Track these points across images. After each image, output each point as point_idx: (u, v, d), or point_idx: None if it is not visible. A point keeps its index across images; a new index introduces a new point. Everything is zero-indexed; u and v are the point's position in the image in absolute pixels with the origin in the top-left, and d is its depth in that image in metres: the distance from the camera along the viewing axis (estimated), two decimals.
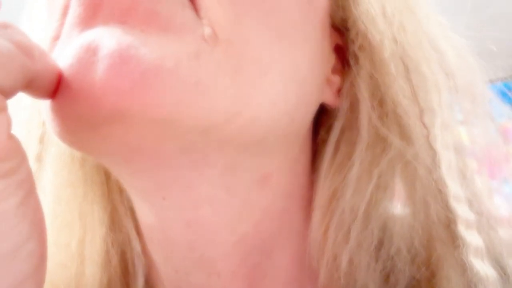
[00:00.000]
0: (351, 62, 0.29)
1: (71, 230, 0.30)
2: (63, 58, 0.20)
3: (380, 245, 0.27)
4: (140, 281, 0.30)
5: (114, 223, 0.31)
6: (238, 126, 0.22)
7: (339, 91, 0.30)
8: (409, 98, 0.27)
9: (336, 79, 0.30)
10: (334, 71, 0.30)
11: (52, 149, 0.31)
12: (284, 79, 0.24)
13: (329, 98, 0.29)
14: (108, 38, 0.19)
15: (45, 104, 0.21)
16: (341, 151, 0.29)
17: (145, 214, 0.28)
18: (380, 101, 0.27)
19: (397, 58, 0.27)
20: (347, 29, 0.29)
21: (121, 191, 0.31)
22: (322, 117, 0.31)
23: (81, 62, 0.19)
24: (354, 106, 0.29)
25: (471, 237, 0.25)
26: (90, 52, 0.19)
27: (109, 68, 0.19)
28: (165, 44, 0.20)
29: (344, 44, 0.30)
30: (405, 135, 0.27)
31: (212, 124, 0.21)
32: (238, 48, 0.21)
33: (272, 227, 0.28)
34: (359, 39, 0.28)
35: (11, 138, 0.18)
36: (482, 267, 0.24)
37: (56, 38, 0.22)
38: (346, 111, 0.29)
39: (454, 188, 0.25)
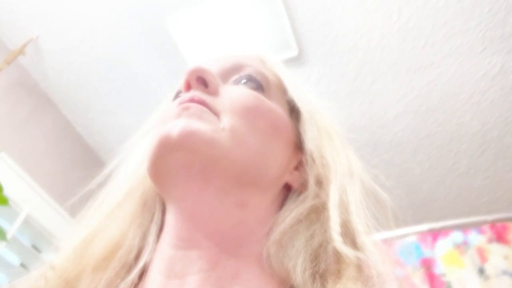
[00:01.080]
0: (305, 166, 0.54)
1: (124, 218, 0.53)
2: (168, 127, 0.47)
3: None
4: (142, 260, 0.50)
5: (146, 227, 0.53)
6: (228, 161, 0.46)
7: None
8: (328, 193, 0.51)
9: (296, 173, 0.55)
10: (296, 169, 0.55)
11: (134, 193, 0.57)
12: (254, 150, 0.49)
13: (292, 181, 0.54)
14: (183, 122, 0.46)
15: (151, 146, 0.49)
16: (296, 208, 0.50)
17: (170, 213, 0.50)
18: (322, 185, 0.51)
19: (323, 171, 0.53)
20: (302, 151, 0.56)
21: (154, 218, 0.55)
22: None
23: (171, 128, 0.46)
24: (304, 189, 0.52)
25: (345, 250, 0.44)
26: (175, 125, 0.46)
27: (181, 129, 0.45)
28: (204, 125, 0.46)
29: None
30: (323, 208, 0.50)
31: (216, 157, 0.46)
32: (234, 133, 0.47)
33: (243, 232, 0.48)
34: (307, 159, 0.54)
35: None
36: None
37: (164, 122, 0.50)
38: (300, 191, 0.53)
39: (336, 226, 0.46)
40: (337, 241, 0.44)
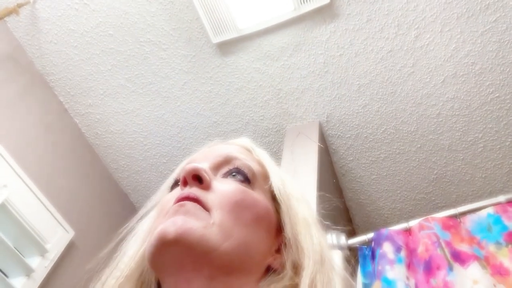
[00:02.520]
0: (284, 250, 0.61)
1: None
2: (166, 225, 0.53)
3: None
4: None
5: None
6: (216, 254, 0.52)
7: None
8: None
9: (278, 256, 0.61)
10: (277, 251, 0.62)
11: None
12: (239, 241, 0.55)
13: (273, 264, 0.60)
14: (179, 221, 0.53)
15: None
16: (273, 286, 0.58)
17: None
18: (297, 270, 0.58)
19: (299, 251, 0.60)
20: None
21: None
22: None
23: (168, 226, 0.53)
24: (283, 269, 0.60)
25: None
26: (172, 224, 0.53)
27: (177, 228, 0.52)
28: (196, 223, 0.53)
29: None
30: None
31: (206, 250, 0.52)
32: (223, 227, 0.55)
33: None
34: (285, 243, 0.61)
35: None
36: None
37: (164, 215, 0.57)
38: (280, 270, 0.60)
39: None
40: None
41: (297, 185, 0.69)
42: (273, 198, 0.66)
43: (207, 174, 0.60)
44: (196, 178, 0.59)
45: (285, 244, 0.61)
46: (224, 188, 0.60)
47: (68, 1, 1.85)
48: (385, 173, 2.27)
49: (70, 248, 1.87)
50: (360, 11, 1.76)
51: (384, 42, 1.83)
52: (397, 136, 2.11)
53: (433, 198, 2.33)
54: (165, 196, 0.64)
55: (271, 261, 0.60)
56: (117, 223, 0.66)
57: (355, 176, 2.31)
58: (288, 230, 0.62)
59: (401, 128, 2.08)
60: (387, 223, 2.35)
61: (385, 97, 1.99)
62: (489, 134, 2.05)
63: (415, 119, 2.04)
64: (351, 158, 2.23)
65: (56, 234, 1.79)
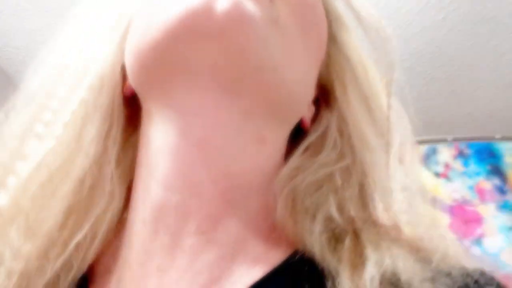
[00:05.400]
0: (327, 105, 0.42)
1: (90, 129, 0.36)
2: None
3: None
4: (104, 206, 0.36)
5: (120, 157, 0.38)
6: (271, 77, 0.33)
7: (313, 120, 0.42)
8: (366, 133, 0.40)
9: (312, 108, 0.42)
10: (313, 103, 0.42)
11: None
12: (303, 73, 0.37)
13: (307, 118, 0.41)
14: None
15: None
16: (310, 150, 0.40)
17: (162, 136, 0.35)
18: (342, 130, 0.40)
19: (361, 103, 0.41)
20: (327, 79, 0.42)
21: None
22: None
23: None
24: (325, 129, 0.41)
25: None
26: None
27: (232, 5, 0.30)
28: (258, 11, 0.31)
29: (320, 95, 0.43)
30: (355, 155, 0.39)
31: (262, 66, 0.32)
32: (288, 37, 0.34)
33: (255, 178, 0.37)
34: (334, 89, 0.42)
35: None
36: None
37: None
38: (320, 129, 0.41)
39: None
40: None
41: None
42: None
43: None
44: None
45: (325, 98, 0.42)
46: None
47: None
48: None
49: None
50: None
51: None
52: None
53: None
54: None
55: (307, 114, 0.41)
56: None
57: None
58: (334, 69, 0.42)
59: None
60: None
61: None
62: None
63: None
64: None
65: None
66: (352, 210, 0.37)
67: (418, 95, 1.69)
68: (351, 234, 0.35)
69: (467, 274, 0.31)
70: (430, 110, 1.76)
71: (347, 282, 0.31)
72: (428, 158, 1.65)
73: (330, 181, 0.38)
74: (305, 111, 0.40)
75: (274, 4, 0.33)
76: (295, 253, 0.35)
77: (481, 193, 1.55)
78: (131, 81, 0.37)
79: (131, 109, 0.39)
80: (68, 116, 0.36)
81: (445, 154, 1.66)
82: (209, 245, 0.34)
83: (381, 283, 0.31)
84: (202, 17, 0.30)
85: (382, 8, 1.38)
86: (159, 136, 0.35)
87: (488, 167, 1.60)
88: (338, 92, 0.41)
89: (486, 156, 1.63)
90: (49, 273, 0.33)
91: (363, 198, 0.38)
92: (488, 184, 1.56)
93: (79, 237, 0.35)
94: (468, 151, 1.65)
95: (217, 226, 0.35)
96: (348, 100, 0.41)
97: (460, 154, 1.65)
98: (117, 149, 0.38)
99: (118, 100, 0.38)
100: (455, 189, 1.57)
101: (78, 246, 0.35)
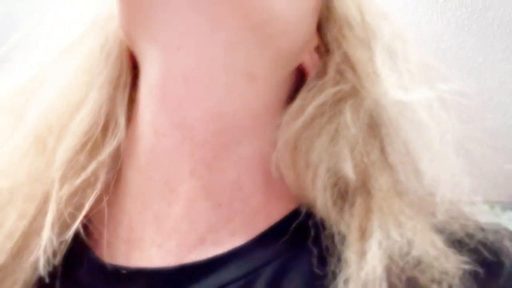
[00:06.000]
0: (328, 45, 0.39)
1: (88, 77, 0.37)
2: None
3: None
4: (112, 144, 0.35)
5: (113, 99, 0.37)
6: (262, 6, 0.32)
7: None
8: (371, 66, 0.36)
9: (316, 57, 0.39)
10: (316, 50, 0.39)
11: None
12: (302, 10, 0.35)
13: (308, 65, 0.38)
14: None
15: None
16: (317, 95, 0.36)
17: (151, 75, 0.35)
18: (344, 65, 0.37)
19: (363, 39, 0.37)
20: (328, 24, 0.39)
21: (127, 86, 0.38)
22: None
23: None
24: (325, 67, 0.38)
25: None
26: None
27: None
28: None
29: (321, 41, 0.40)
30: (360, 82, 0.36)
31: None
32: None
33: (247, 119, 0.35)
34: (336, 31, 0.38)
35: None
36: None
37: None
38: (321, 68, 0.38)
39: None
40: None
41: None
42: None
43: None
44: None
45: (327, 45, 0.39)
46: None
47: None
48: None
49: None
50: None
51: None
52: None
53: None
54: None
55: (308, 61, 0.39)
56: None
57: None
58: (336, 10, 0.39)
59: None
60: None
61: None
62: None
63: None
64: None
65: None
66: (366, 159, 0.33)
67: None
68: (363, 194, 0.33)
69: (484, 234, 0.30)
70: None
71: (354, 248, 0.30)
72: None
73: (337, 118, 0.35)
74: (303, 54, 0.38)
75: None
76: (296, 210, 0.34)
77: None
78: (120, 26, 0.36)
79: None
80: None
81: None
82: (204, 192, 0.34)
83: (391, 258, 0.29)
84: None
85: None
86: (148, 77, 0.35)
87: None
88: (337, 35, 0.39)
89: None
90: (53, 212, 0.33)
91: (382, 144, 0.35)
92: None
93: (83, 176, 0.34)
94: None
95: (211, 171, 0.34)
96: (348, 39, 0.38)
97: None
98: (127, 95, 0.38)
99: (126, 52, 0.38)
100: None
101: (84, 185, 0.34)
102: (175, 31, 0.32)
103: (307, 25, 0.37)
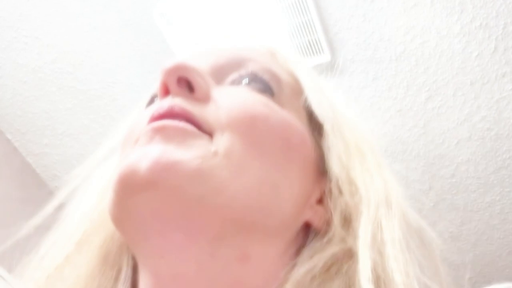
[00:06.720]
0: (329, 198, 0.40)
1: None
2: (134, 157, 0.34)
3: None
4: None
5: None
6: (223, 199, 0.33)
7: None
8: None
9: (320, 209, 0.40)
10: (319, 202, 0.41)
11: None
12: (260, 179, 0.35)
13: (313, 220, 0.39)
14: (157, 149, 0.33)
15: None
16: (316, 256, 0.36)
17: (144, 274, 0.37)
18: (349, 224, 0.38)
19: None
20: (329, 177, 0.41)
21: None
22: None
23: (138, 159, 0.33)
24: (329, 228, 0.39)
25: None
26: (144, 155, 0.33)
27: (153, 160, 0.32)
28: (188, 153, 0.33)
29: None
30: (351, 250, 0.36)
31: (206, 195, 0.33)
32: (232, 158, 0.35)
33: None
34: (331, 188, 0.40)
35: None
36: None
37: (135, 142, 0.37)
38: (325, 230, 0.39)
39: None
40: None
41: (350, 102, 0.47)
42: (312, 123, 0.43)
43: (201, 77, 0.38)
44: (185, 83, 0.37)
45: (331, 191, 0.40)
46: (233, 98, 0.38)
47: (13, 33, 1.63)
48: None
49: None
50: (365, 70, 1.66)
51: (393, 102, 1.72)
52: (409, 193, 2.01)
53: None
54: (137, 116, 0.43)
55: (310, 216, 0.39)
56: None
57: None
58: (334, 164, 0.40)
59: (413, 186, 1.97)
60: None
61: (395, 155, 1.89)
62: (507, 198, 1.92)
63: (427, 178, 1.93)
64: None
65: None
66: None
67: None
68: None
69: None
70: None
71: None
72: None
73: (332, 277, 0.36)
74: (304, 215, 0.40)
75: (213, 138, 0.35)
76: None
77: None
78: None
79: None
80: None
81: None
82: None
83: None
84: (130, 177, 0.33)
85: None
86: (142, 278, 0.37)
87: None
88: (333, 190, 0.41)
89: None
90: None
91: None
92: None
93: None
94: None
95: None
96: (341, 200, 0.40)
97: None
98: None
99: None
100: None
101: None
102: (156, 245, 0.34)
103: (293, 192, 0.38)
